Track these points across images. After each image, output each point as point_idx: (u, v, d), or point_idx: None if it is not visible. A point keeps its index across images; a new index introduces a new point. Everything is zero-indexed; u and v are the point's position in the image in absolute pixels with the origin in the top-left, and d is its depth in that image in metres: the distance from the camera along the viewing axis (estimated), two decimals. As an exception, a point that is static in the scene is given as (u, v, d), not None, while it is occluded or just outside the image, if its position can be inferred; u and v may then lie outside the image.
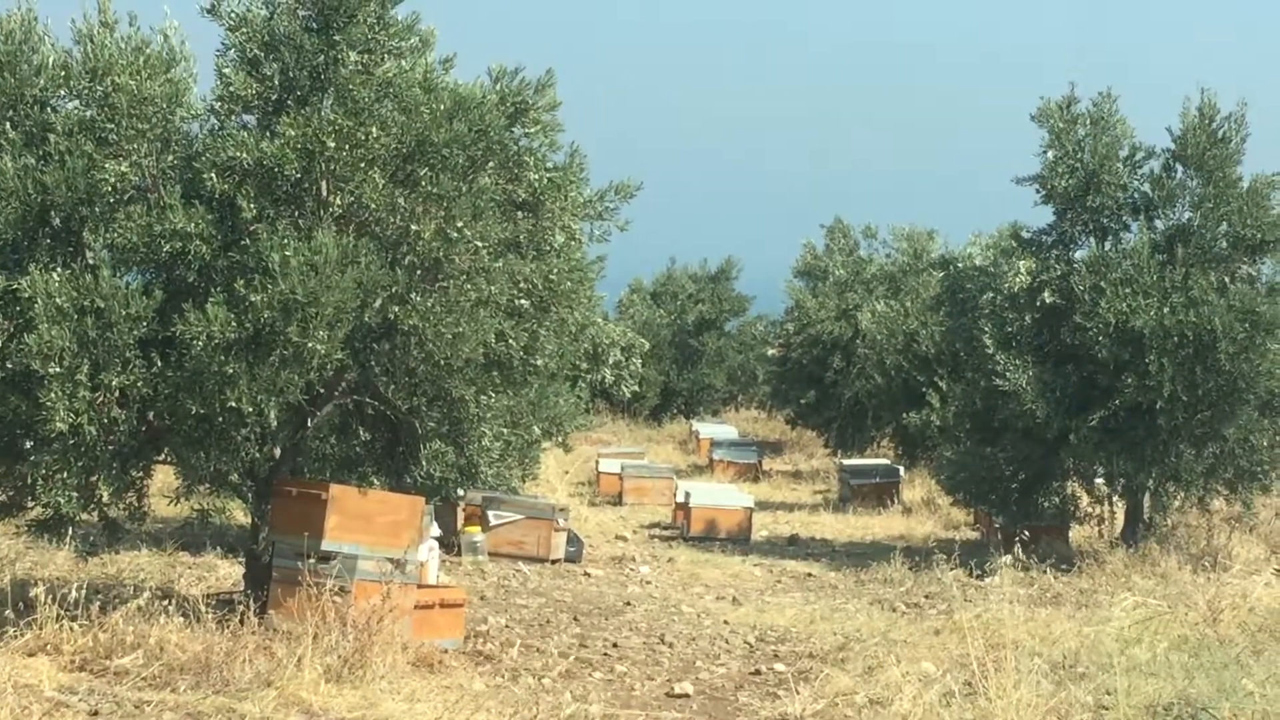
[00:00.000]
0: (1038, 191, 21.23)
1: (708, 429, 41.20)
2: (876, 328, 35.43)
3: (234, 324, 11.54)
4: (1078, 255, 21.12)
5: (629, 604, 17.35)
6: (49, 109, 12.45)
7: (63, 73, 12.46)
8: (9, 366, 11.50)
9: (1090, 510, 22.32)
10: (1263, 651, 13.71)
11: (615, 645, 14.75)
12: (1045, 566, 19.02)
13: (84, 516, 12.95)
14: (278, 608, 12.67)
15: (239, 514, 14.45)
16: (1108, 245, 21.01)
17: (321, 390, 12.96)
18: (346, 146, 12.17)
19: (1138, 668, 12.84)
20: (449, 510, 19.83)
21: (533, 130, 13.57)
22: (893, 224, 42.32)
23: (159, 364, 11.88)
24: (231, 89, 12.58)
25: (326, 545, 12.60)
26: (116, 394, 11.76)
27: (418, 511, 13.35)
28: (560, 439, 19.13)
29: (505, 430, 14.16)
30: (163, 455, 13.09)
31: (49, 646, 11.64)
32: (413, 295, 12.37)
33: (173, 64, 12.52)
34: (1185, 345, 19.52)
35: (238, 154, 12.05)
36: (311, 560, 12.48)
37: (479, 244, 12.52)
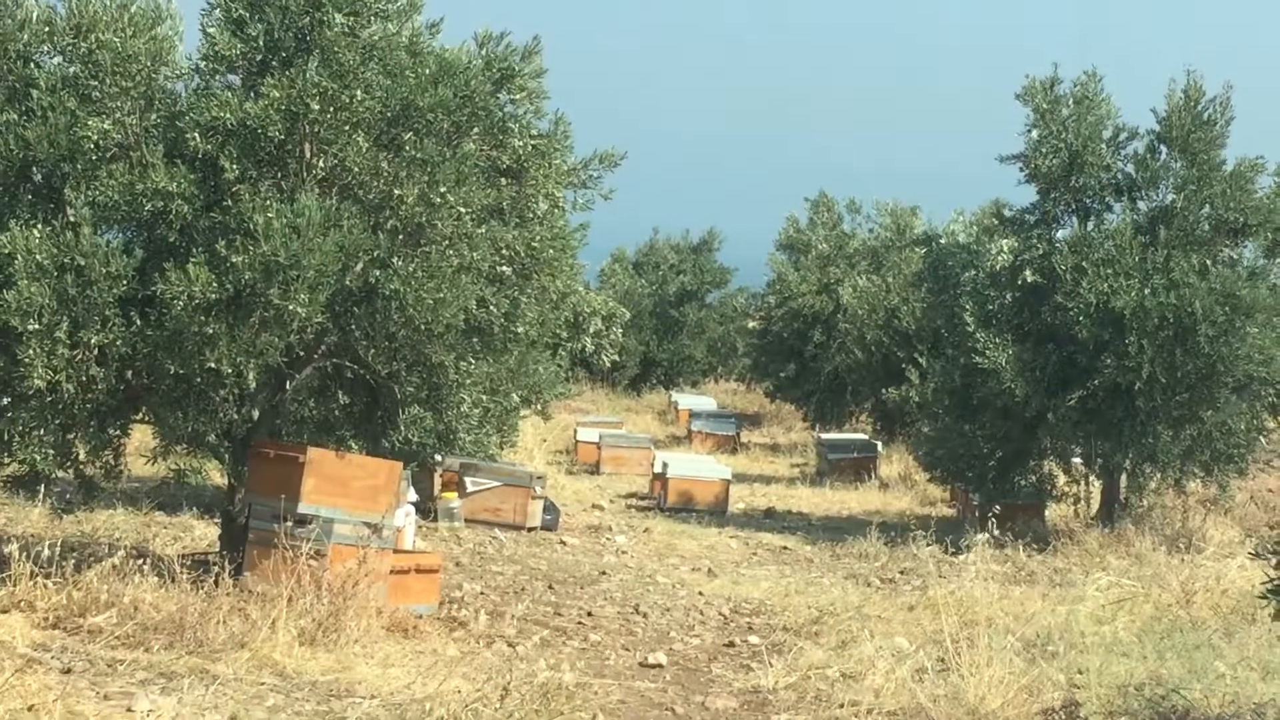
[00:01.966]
0: (1021, 170, 21.23)
1: (687, 400, 41.25)
2: (858, 303, 35.47)
3: (215, 285, 11.52)
4: (1060, 235, 21.13)
5: (604, 573, 17.37)
6: (32, 64, 12.40)
7: (46, 28, 12.41)
8: (-12, 322, 11.47)
9: (1067, 489, 22.37)
10: (1235, 634, 13.76)
11: (590, 614, 14.77)
12: (1020, 544, 19.07)
13: (60, 474, 12.96)
14: (253, 569, 12.67)
15: (215, 475, 14.45)
16: (1090, 225, 21.03)
17: (301, 353, 12.94)
18: (331, 109, 12.14)
19: (1110, 647, 12.90)
20: (426, 476, 19.82)
21: (518, 97, 13.54)
22: (876, 199, 42.30)
23: (139, 323, 11.86)
24: (216, 49, 12.53)
25: (303, 508, 12.59)
26: (95, 352, 11.74)
27: (395, 476, 13.34)
28: (539, 407, 19.14)
29: (484, 397, 14.14)
30: (140, 414, 13.06)
31: (23, 604, 11.63)
32: (394, 260, 12.35)
33: (158, 22, 12.47)
34: (1165, 327, 19.55)
35: (221, 114, 12.02)
36: (288, 523, 12.46)
37: (462, 210, 12.50)
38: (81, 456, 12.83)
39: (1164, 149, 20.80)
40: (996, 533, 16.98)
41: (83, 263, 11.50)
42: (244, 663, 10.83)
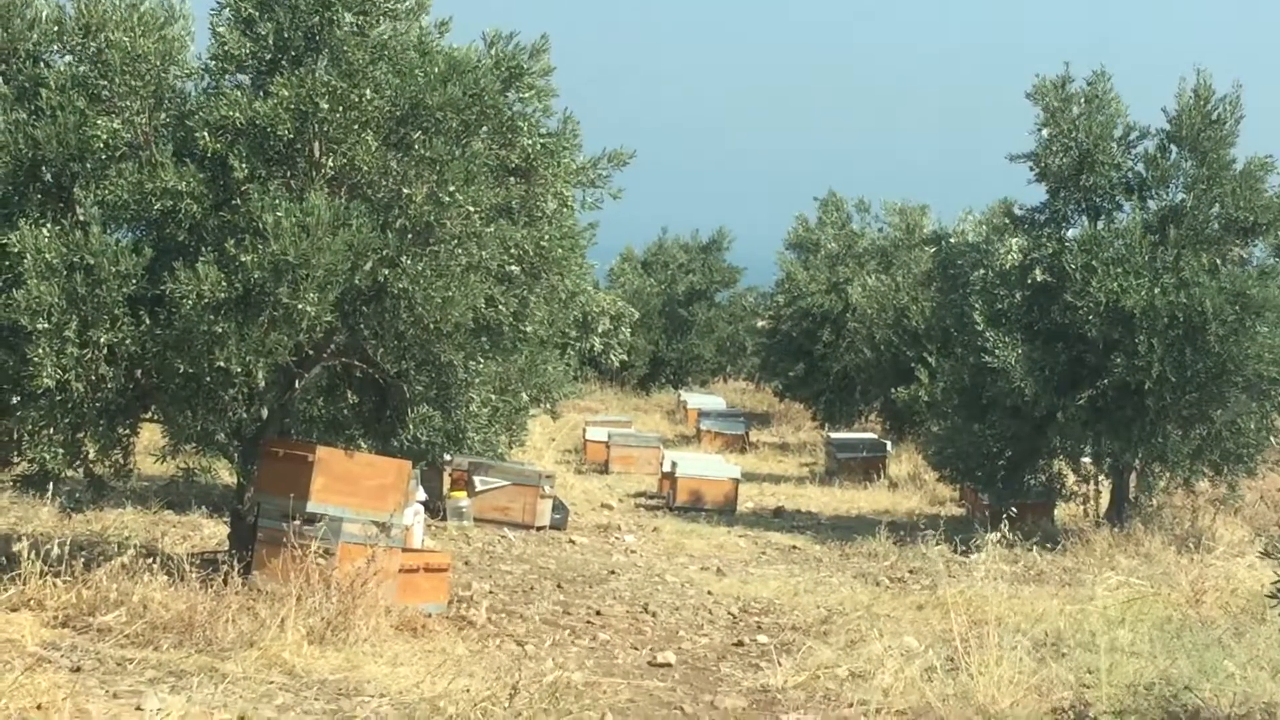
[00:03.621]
0: (1031, 169, 21.24)
1: (696, 399, 41.25)
2: (867, 302, 35.45)
3: (224, 284, 11.52)
4: (1070, 234, 21.13)
5: (613, 572, 17.36)
6: (42, 64, 12.40)
7: (56, 28, 12.41)
8: (-3, 322, 11.47)
9: (1076, 489, 22.37)
10: (1244, 633, 13.73)
11: (598, 613, 14.76)
12: (1030, 544, 19.05)
13: (70, 473, 12.95)
14: (262, 568, 12.66)
15: (225, 474, 14.44)
16: (1100, 224, 21.01)
17: (310, 352, 12.94)
18: (340, 108, 12.13)
19: (1120, 647, 12.87)
20: (435, 475, 19.83)
21: (527, 95, 13.51)
22: (885, 198, 42.32)
23: (148, 322, 11.85)
24: (226, 48, 12.53)
25: (312, 507, 12.58)
26: (104, 351, 11.74)
27: (404, 475, 13.34)
28: (548, 406, 19.15)
29: (493, 396, 14.14)
30: (150, 413, 13.06)
31: (32, 602, 11.64)
32: (403, 259, 12.34)
33: (169, 21, 12.47)
34: (1175, 326, 19.53)
35: (231, 113, 12.01)
36: (297, 521, 12.47)
37: (471, 209, 12.48)
38: (91, 455, 12.83)
39: (1174, 148, 20.80)
40: (1006, 532, 16.97)
41: (92, 262, 11.50)
42: (253, 661, 10.82)
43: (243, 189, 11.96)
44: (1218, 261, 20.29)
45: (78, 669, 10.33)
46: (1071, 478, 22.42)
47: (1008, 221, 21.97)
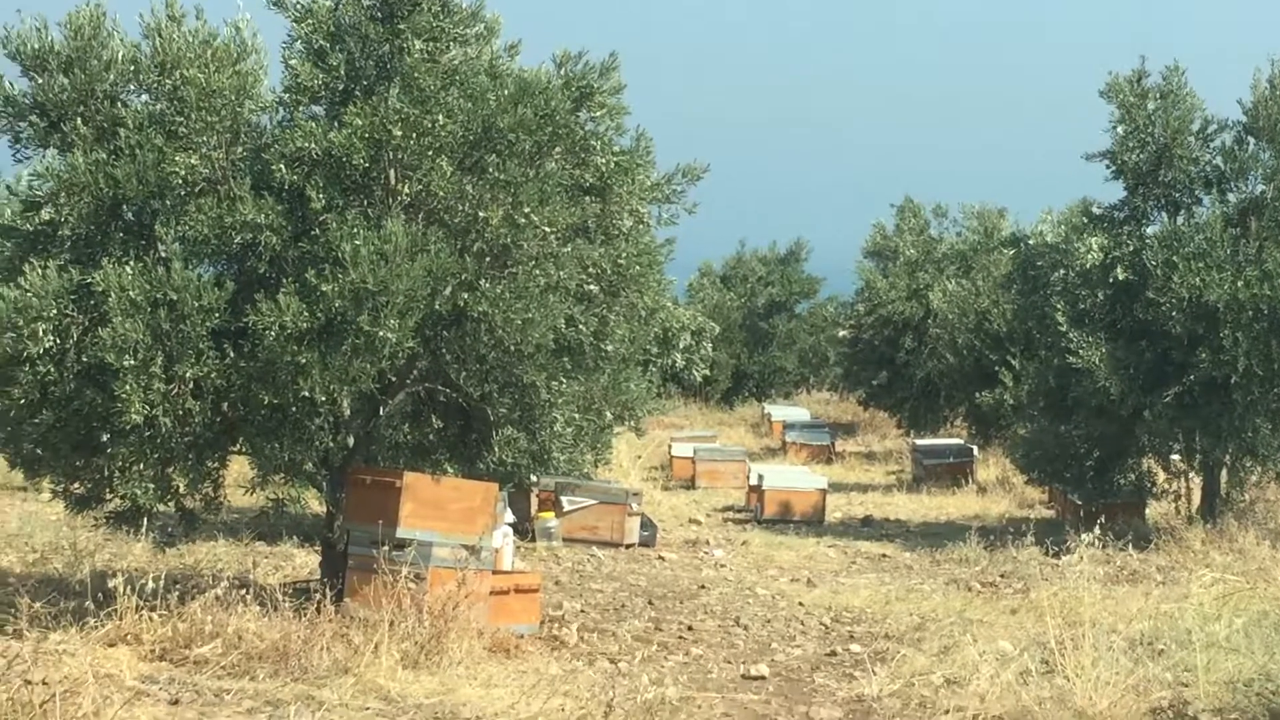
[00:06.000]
0: (1108, 167, 21.08)
1: (780, 411, 41.22)
2: (948, 307, 35.31)
3: (306, 314, 11.58)
4: (1150, 230, 20.95)
5: (703, 587, 17.34)
6: (119, 103, 12.52)
7: (132, 67, 12.53)
8: (84, 360, 11.59)
9: (1166, 486, 22.17)
10: (1344, 626, 13.57)
11: (690, 628, 14.75)
12: (1122, 544, 18.89)
13: (161, 508, 13.04)
14: (354, 595, 12.73)
15: (314, 503, 14.53)
16: (1180, 220, 20.84)
17: (393, 379, 13.00)
18: (414, 135, 12.20)
19: (1217, 644, 12.74)
20: (523, 496, 19.89)
21: (598, 114, 13.55)
22: (963, 202, 42.21)
23: (232, 355, 11.94)
24: (299, 80, 12.63)
25: (401, 533, 12.64)
26: (190, 385, 11.82)
27: (491, 498, 13.37)
28: (632, 423, 19.16)
29: (577, 415, 14.14)
30: (237, 445, 13.14)
31: (129, 636, 11.72)
32: (482, 282, 12.39)
33: (242, 56, 12.55)
34: (1260, 319, 19.32)
35: (306, 144, 12.09)
36: (387, 548, 12.52)
37: (547, 229, 12.52)
38: (181, 489, 12.92)
39: (1252, 140, 20.59)
40: (1098, 533, 16.85)
41: (175, 297, 11.59)
42: (349, 688, 10.87)
43: (321, 219, 12.04)
44: (1301, 252, 20.08)
45: (176, 701, 10.39)
46: (1161, 475, 22.23)
47: (1086, 221, 21.80)
